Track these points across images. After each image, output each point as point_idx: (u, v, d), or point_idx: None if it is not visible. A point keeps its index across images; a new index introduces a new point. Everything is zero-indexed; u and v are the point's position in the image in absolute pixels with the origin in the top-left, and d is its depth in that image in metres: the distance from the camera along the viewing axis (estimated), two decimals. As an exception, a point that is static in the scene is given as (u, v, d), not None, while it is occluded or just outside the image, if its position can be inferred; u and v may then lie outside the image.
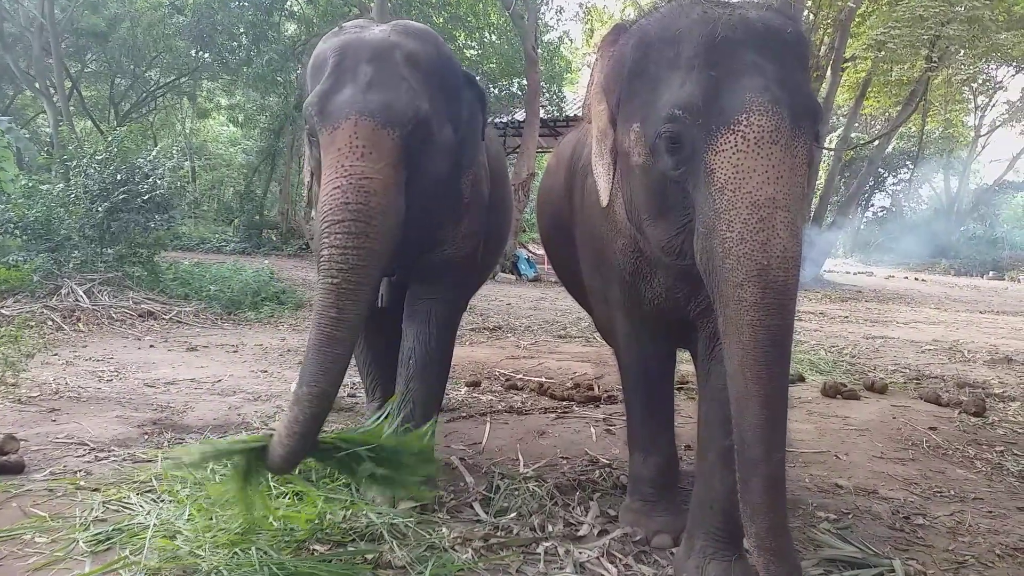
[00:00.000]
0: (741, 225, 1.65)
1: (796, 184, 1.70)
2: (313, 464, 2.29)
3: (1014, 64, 20.70)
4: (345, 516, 2.39)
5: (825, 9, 16.95)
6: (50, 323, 5.79)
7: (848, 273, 23.57)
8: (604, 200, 2.10)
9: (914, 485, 3.22)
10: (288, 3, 15.87)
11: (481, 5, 16.24)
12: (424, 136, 2.31)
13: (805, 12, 15.40)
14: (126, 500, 2.44)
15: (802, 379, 5.45)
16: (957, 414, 4.56)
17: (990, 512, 2.94)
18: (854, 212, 27.95)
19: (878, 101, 21.63)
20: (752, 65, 1.74)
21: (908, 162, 30.18)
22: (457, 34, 15.58)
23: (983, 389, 5.44)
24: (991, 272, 26.54)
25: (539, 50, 15.10)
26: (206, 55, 16.19)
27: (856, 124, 22.42)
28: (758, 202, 1.66)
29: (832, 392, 4.92)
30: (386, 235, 2.17)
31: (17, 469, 2.70)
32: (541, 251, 13.22)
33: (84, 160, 7.68)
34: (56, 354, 4.89)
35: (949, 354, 7.34)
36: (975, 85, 23.52)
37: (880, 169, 29.14)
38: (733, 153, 1.69)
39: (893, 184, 33.44)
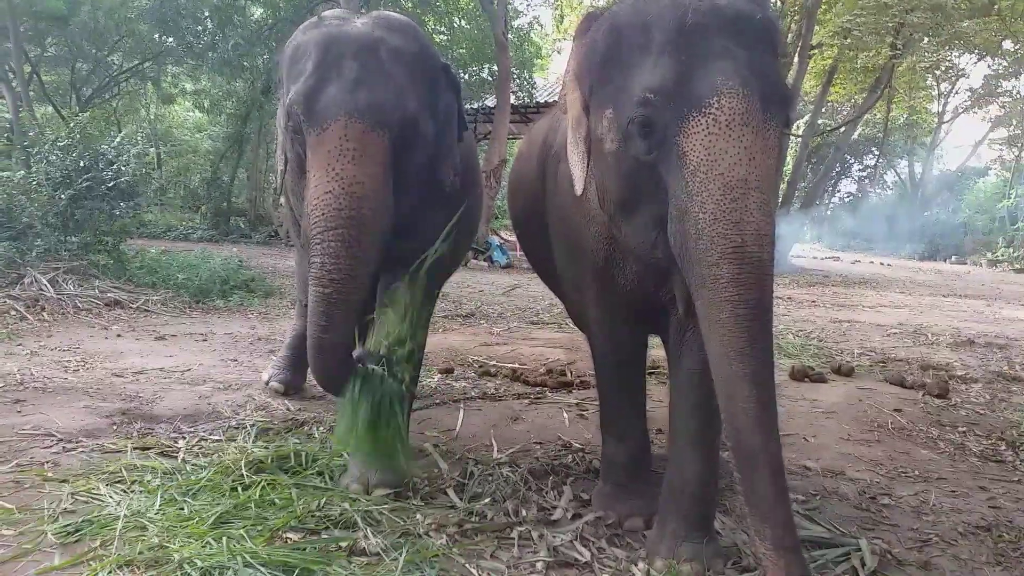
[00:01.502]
0: (714, 206, 1.67)
1: (768, 166, 1.71)
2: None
3: (976, 52, 21.03)
4: (319, 504, 2.38)
5: (793, -4, 17.07)
6: (13, 312, 5.66)
7: (815, 258, 23.87)
8: (579, 188, 2.10)
9: (880, 466, 3.29)
10: (254, -14, 15.60)
11: (451, -10, 16.11)
12: (410, 134, 2.30)
13: (773, -1, 15.51)
14: (95, 491, 2.41)
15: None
16: (921, 396, 4.66)
17: (953, 491, 3.02)
18: (821, 198, 28.31)
19: (844, 88, 21.88)
20: (723, 50, 1.75)
21: (874, 148, 30.57)
22: (426, 19, 15.42)
23: (946, 371, 5.55)
24: (954, 256, 26.99)
25: (509, 36, 15.02)
26: (170, 39, 15.81)
27: (823, 111, 22.65)
28: (730, 183, 1.67)
29: (800, 376, 4.98)
30: (377, 240, 2.21)
31: (-18, 462, 2.65)
32: (513, 238, 13.22)
33: (45, 147, 7.49)
34: (20, 344, 4.78)
35: (913, 337, 7.48)
36: (938, 72, 23.86)
37: (846, 155, 29.48)
38: (705, 135, 1.70)
39: (859, 170, 33.85)
